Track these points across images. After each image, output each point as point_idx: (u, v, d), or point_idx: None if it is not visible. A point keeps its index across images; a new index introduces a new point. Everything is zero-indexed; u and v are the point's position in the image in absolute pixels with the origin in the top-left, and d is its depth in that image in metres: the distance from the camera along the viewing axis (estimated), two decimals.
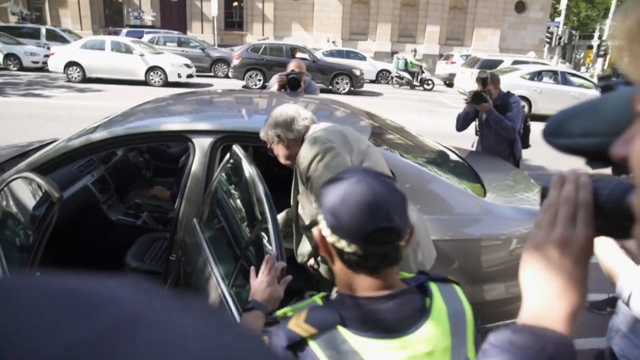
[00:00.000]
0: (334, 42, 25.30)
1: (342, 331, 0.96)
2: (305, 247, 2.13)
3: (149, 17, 24.21)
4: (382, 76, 19.62)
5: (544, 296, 0.59)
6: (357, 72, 16.05)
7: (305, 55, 16.11)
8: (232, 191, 2.23)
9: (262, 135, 2.11)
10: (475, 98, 4.15)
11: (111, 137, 2.58)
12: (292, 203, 2.14)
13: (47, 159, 2.59)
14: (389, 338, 0.97)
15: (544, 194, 0.64)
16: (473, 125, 4.63)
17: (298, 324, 0.97)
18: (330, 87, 15.73)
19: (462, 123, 4.51)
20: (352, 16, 28.36)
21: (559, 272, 0.59)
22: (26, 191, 2.18)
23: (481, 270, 2.59)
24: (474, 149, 4.61)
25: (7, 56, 17.50)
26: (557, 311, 0.58)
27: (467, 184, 2.95)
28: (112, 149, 3.16)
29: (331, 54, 19.49)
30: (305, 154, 1.88)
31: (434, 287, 1.08)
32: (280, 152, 2.09)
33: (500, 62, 16.76)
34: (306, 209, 2.00)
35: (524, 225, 2.68)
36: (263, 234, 1.67)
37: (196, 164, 2.57)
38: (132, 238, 3.08)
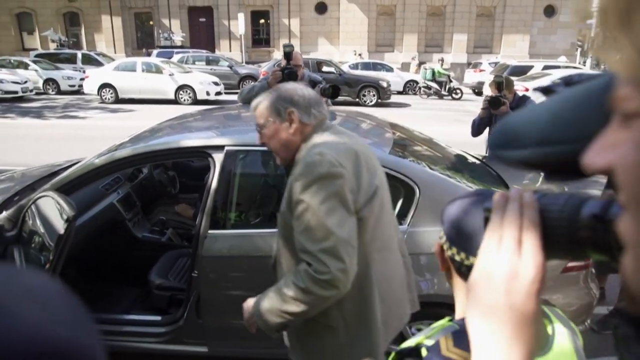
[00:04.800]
0: (360, 54, 25.35)
1: None
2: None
3: (178, 37, 24.84)
4: (409, 87, 19.49)
5: (496, 344, 0.52)
6: (384, 84, 16.01)
7: (332, 69, 16.21)
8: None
9: (254, 104, 1.71)
10: (493, 102, 4.12)
11: (133, 155, 2.61)
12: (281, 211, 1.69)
13: (72, 178, 2.64)
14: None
15: (487, 218, 0.55)
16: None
17: (450, 350, 0.92)
18: (357, 99, 15.73)
19: (477, 129, 4.51)
20: (377, 28, 28.42)
21: (509, 312, 0.51)
22: (51, 209, 2.21)
23: None
24: (487, 154, 4.56)
25: (46, 81, 18.30)
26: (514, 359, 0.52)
27: None
28: (135, 166, 3.20)
29: (357, 66, 19.53)
30: (306, 170, 1.52)
31: None
32: (279, 134, 1.65)
33: (530, 67, 16.44)
34: (284, 230, 1.66)
35: None
36: None
37: (216, 179, 2.57)
38: (157, 254, 3.10)
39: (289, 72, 3.59)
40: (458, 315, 1.04)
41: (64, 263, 1.91)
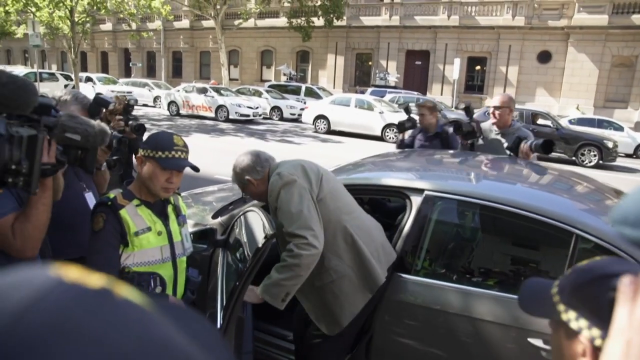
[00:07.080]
0: (578, 108, 22.95)
1: None
2: None
3: (392, 78, 25.86)
4: None
5: None
6: (609, 144, 14.12)
7: (548, 122, 14.98)
8: None
9: (233, 182, 2.49)
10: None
11: None
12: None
13: None
14: None
15: (611, 300, 0.41)
16: None
17: None
18: (573, 158, 14.18)
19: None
20: (609, 81, 25.36)
21: None
22: (256, 224, 2.42)
23: None
24: None
25: (273, 108, 20.98)
26: None
27: None
28: None
29: (579, 122, 17.66)
30: (273, 187, 2.23)
31: None
32: (251, 191, 2.43)
33: None
34: (279, 237, 2.24)
35: None
36: None
37: (410, 222, 2.51)
38: None
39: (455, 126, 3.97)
40: None
41: (257, 274, 2.06)
